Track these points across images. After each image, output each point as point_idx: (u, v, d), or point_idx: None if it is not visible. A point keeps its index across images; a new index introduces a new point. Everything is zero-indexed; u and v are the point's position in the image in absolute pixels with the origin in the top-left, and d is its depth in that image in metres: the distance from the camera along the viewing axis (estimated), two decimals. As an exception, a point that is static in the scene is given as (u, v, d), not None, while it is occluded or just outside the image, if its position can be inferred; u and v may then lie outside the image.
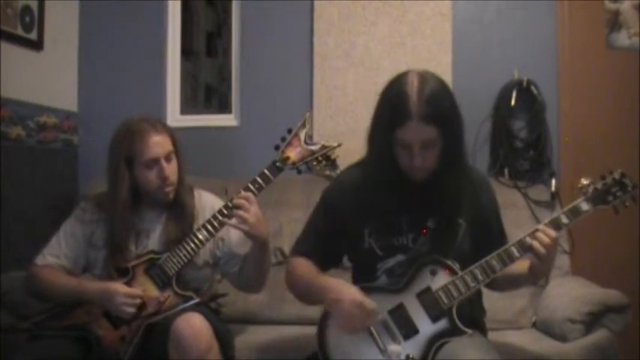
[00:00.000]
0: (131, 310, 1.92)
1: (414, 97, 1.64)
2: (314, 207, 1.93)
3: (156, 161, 2.03)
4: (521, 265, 1.76)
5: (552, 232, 1.68)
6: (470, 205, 1.81)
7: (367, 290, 1.74)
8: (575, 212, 1.72)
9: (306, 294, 1.85)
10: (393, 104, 1.68)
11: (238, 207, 1.92)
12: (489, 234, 1.84)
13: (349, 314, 1.67)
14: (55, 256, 2.10)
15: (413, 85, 1.66)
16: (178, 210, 2.10)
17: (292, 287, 1.89)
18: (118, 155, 2.05)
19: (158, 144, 2.04)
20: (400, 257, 1.78)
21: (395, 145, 1.69)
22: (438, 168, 1.73)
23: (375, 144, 1.77)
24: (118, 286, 1.94)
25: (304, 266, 1.84)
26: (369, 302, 1.67)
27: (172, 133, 2.11)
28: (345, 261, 1.95)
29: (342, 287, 1.71)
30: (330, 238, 1.85)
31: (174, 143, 2.09)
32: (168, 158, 2.06)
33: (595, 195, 1.72)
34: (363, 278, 1.82)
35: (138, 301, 1.94)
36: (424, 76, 1.69)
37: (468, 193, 1.81)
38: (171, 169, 2.06)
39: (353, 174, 1.87)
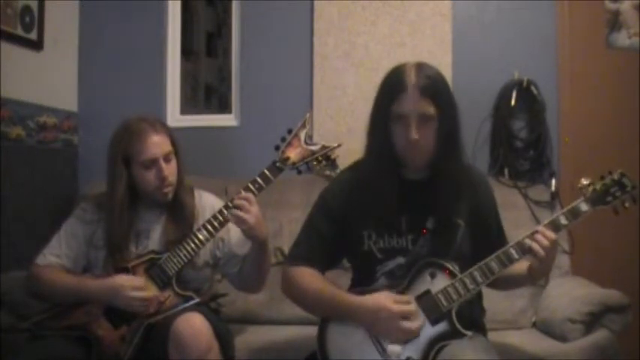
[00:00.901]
0: (142, 295, 1.91)
1: (411, 72, 1.70)
2: (311, 210, 1.90)
3: (154, 162, 2.03)
4: (522, 265, 1.76)
5: (551, 234, 1.67)
6: (469, 205, 1.81)
7: (367, 294, 1.73)
8: (574, 213, 1.71)
9: (318, 308, 1.81)
10: (390, 82, 1.74)
11: (239, 207, 1.92)
12: (489, 234, 1.84)
13: (395, 329, 1.67)
14: (56, 256, 2.09)
15: (410, 66, 1.73)
16: (178, 210, 2.09)
17: (297, 298, 1.85)
18: (115, 154, 2.04)
19: (157, 144, 2.03)
20: (400, 260, 1.77)
21: (392, 131, 1.71)
22: (436, 162, 1.73)
23: (374, 133, 1.78)
24: (124, 280, 1.93)
25: (312, 278, 1.80)
26: (408, 308, 1.67)
27: (171, 133, 2.11)
28: (345, 262, 1.95)
29: (376, 304, 1.68)
30: (332, 240, 1.84)
31: (173, 143, 2.09)
32: (167, 159, 2.05)
33: (594, 196, 1.71)
34: (362, 280, 1.82)
35: (145, 293, 1.93)
36: (421, 63, 1.76)
37: (466, 193, 1.80)
38: (170, 170, 2.06)
39: (351, 175, 1.87)
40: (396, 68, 1.75)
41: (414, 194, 1.76)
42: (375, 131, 1.77)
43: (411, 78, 1.69)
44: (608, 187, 1.71)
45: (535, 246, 1.66)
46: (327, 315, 1.78)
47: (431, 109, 1.68)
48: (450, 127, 1.73)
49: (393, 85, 1.72)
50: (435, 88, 1.69)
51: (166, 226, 2.08)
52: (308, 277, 1.81)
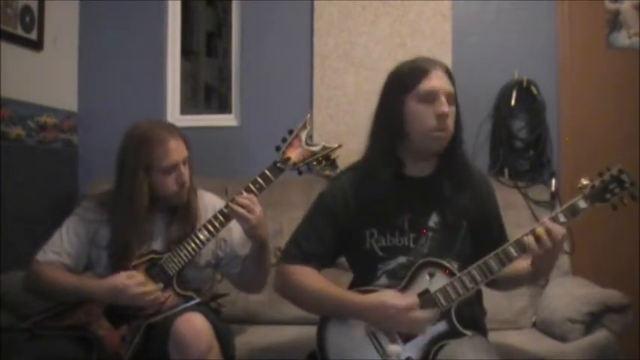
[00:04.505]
0: (147, 289, 1.92)
1: (429, 59, 1.78)
2: (309, 209, 1.89)
3: (175, 167, 2.02)
4: (522, 264, 1.76)
5: (554, 225, 1.64)
6: (471, 204, 1.80)
7: (367, 293, 1.72)
8: (572, 210, 1.68)
9: (319, 307, 1.79)
10: (411, 67, 1.77)
11: (242, 206, 1.92)
12: (491, 233, 1.84)
13: (407, 322, 1.66)
14: (57, 253, 2.08)
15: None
16: (184, 211, 2.09)
17: (295, 297, 1.83)
18: (135, 165, 2.00)
19: (177, 150, 2.03)
20: (402, 259, 1.77)
21: (416, 113, 1.72)
22: (444, 154, 1.76)
23: (383, 125, 1.78)
24: (125, 279, 1.93)
25: (312, 276, 1.79)
26: (421, 314, 1.66)
27: (185, 137, 2.10)
28: (345, 261, 1.95)
29: (381, 301, 1.67)
30: (329, 240, 1.82)
31: (187, 146, 2.09)
32: (184, 163, 2.06)
33: (593, 193, 1.67)
34: (363, 280, 1.81)
35: (148, 287, 1.93)
36: None
37: (469, 192, 1.80)
38: (187, 173, 2.06)
39: (350, 175, 1.86)
40: (409, 61, 1.80)
41: (416, 192, 1.76)
42: (384, 122, 1.77)
43: (434, 62, 1.76)
44: (607, 184, 1.67)
45: (539, 239, 1.63)
46: (328, 314, 1.77)
47: (453, 91, 1.74)
48: (459, 119, 1.78)
49: (416, 69, 1.75)
50: (452, 75, 1.77)
51: (170, 227, 2.08)
52: (307, 275, 1.79)
